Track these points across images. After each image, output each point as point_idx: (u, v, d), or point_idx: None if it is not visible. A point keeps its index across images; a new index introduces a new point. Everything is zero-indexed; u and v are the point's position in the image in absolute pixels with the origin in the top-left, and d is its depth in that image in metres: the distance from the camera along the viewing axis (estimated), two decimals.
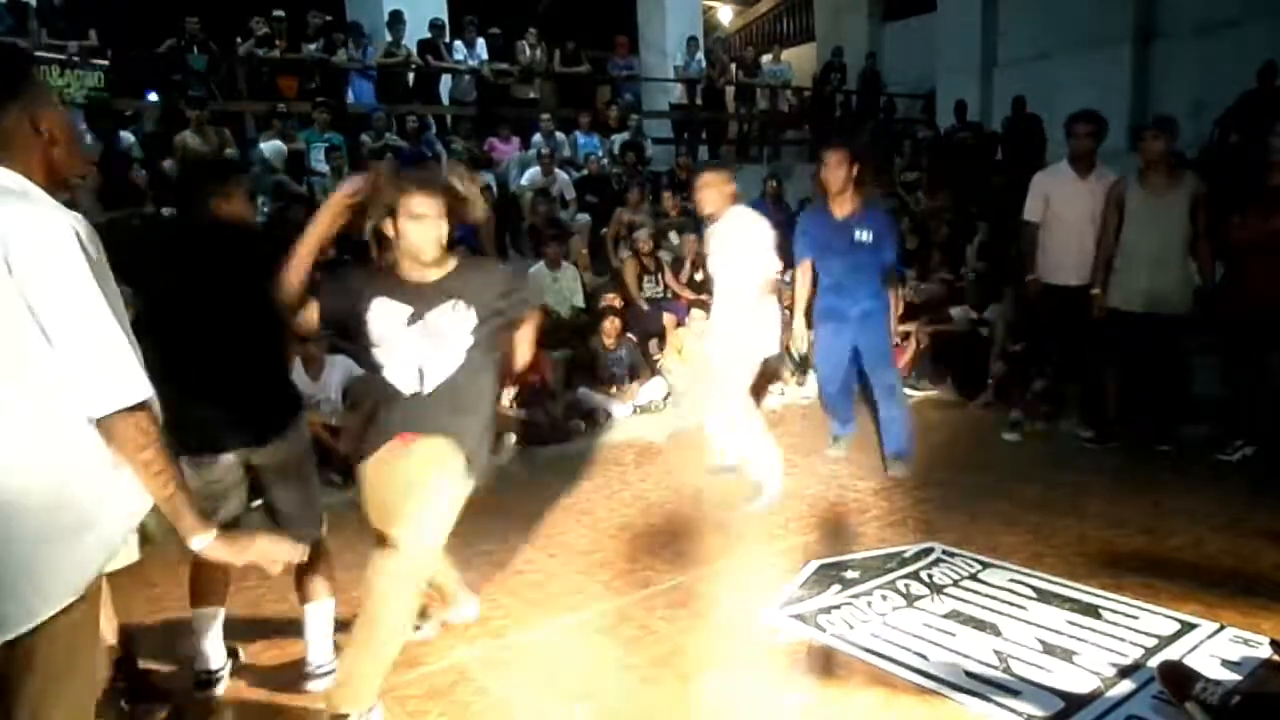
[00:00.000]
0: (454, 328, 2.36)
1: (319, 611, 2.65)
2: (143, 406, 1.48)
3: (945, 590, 3.14)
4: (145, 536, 1.66)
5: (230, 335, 2.38)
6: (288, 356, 2.68)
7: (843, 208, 4.30)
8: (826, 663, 2.70)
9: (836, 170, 4.23)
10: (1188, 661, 2.50)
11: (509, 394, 5.58)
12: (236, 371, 2.40)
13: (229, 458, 2.43)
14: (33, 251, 1.40)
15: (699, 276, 7.49)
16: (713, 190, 4.00)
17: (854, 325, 4.38)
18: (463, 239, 6.93)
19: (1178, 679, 2.34)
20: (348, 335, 2.51)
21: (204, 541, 1.58)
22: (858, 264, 4.30)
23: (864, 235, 4.25)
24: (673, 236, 7.81)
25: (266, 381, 2.50)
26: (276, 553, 1.72)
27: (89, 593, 1.48)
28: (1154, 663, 2.52)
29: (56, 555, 1.43)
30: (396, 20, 9.20)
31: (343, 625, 3.04)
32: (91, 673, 1.57)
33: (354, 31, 9.44)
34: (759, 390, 5.27)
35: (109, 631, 2.31)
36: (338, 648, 2.56)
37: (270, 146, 7.61)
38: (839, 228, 4.29)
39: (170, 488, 1.53)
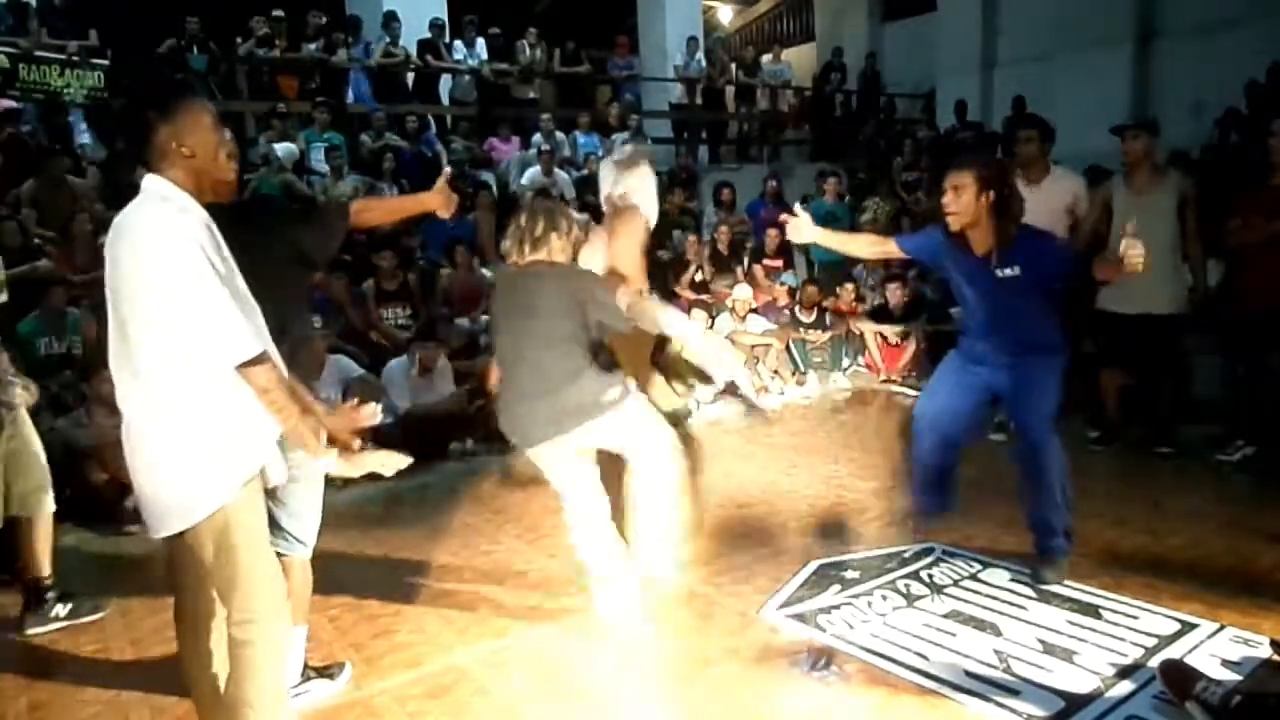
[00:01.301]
0: None
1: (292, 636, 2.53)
2: (263, 359, 1.88)
3: (945, 590, 3.14)
4: None
5: None
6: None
7: (981, 243, 3.14)
8: (826, 663, 2.69)
9: (960, 197, 3.05)
10: (1189, 661, 2.50)
11: None
12: None
13: None
14: (155, 249, 1.83)
15: (699, 277, 7.52)
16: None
17: (998, 372, 3.23)
18: (462, 238, 6.95)
19: (1179, 678, 2.34)
20: None
21: (326, 460, 2.02)
22: (1007, 305, 3.16)
23: (1011, 270, 3.11)
24: (674, 236, 7.82)
25: None
26: (388, 460, 2.13)
27: (238, 497, 1.94)
28: (1154, 662, 2.52)
29: (208, 471, 1.91)
30: (391, 20, 9.20)
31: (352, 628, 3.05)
32: (256, 540, 2.00)
33: (351, 26, 9.44)
34: None
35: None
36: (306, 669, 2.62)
37: (282, 147, 7.60)
38: (978, 265, 3.18)
39: (292, 420, 1.93)
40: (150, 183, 1.93)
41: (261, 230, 2.35)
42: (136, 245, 1.85)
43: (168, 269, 1.82)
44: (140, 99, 2.03)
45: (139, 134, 1.95)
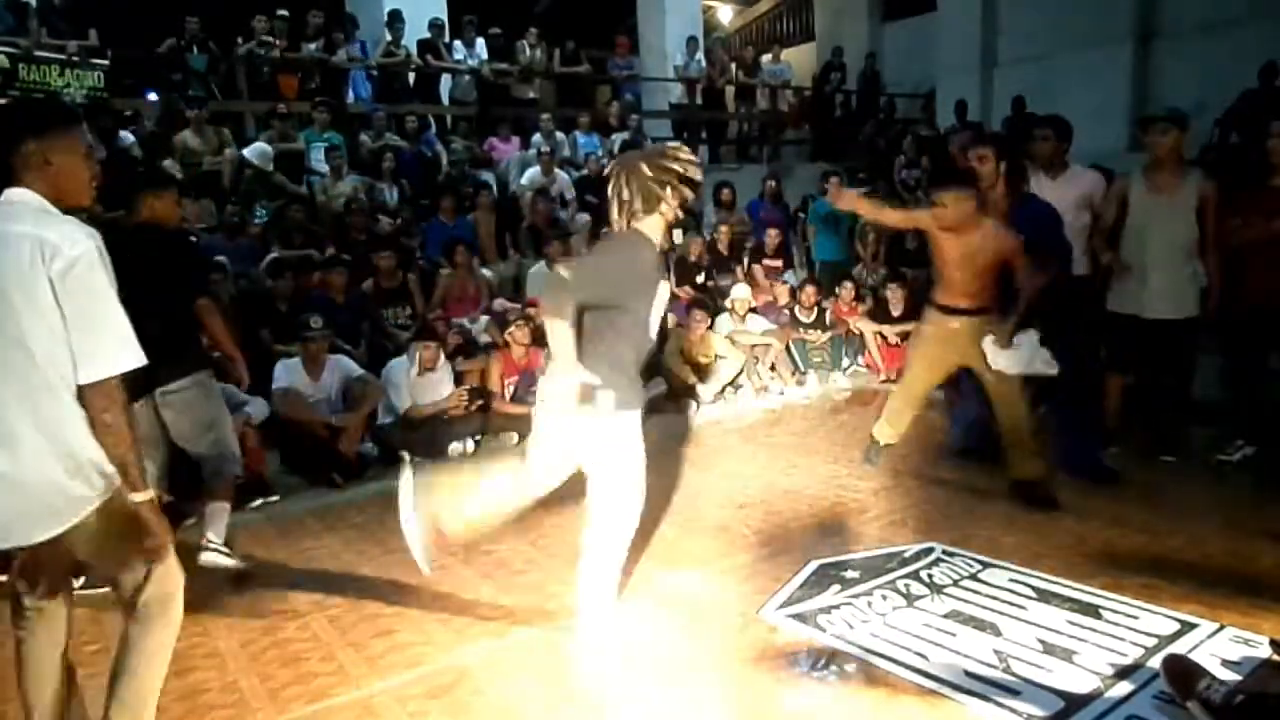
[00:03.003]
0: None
1: (218, 508, 3.53)
2: (116, 381, 1.91)
3: (945, 590, 3.14)
4: None
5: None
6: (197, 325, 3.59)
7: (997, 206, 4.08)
8: (826, 663, 2.70)
9: (984, 165, 4.05)
10: (1193, 657, 2.49)
11: (508, 391, 5.59)
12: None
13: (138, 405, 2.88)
14: (75, 258, 1.88)
15: (700, 278, 7.52)
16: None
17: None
18: (462, 238, 6.95)
19: (1182, 674, 2.33)
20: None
21: (140, 499, 1.99)
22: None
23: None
24: (675, 236, 7.81)
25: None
26: (160, 550, 2.08)
27: (105, 498, 1.98)
28: (1154, 662, 2.52)
29: (76, 478, 1.93)
30: (395, 20, 9.20)
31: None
32: (123, 538, 2.03)
33: (350, 24, 9.44)
34: None
35: None
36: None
37: (253, 150, 7.56)
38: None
39: (120, 448, 1.94)
40: (23, 195, 1.97)
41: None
42: (35, 254, 1.86)
43: (79, 283, 1.88)
44: (18, 114, 2.19)
45: (3, 146, 1.99)
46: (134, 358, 1.94)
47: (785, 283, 7.70)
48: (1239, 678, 2.40)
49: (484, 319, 6.50)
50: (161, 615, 2.15)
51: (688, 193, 2.72)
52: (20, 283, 1.87)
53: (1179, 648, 2.62)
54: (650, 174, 2.66)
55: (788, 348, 6.91)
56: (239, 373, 3.98)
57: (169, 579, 2.14)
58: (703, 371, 6.33)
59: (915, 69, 12.87)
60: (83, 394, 1.91)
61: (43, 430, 1.91)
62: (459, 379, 5.54)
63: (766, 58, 12.68)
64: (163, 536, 2.06)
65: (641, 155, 2.81)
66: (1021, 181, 4.16)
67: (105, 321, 1.91)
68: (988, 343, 3.82)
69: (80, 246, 1.90)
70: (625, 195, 2.68)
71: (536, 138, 9.00)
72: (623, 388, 2.67)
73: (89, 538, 2.00)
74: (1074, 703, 2.39)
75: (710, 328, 6.46)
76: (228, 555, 3.52)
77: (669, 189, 2.67)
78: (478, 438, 5.40)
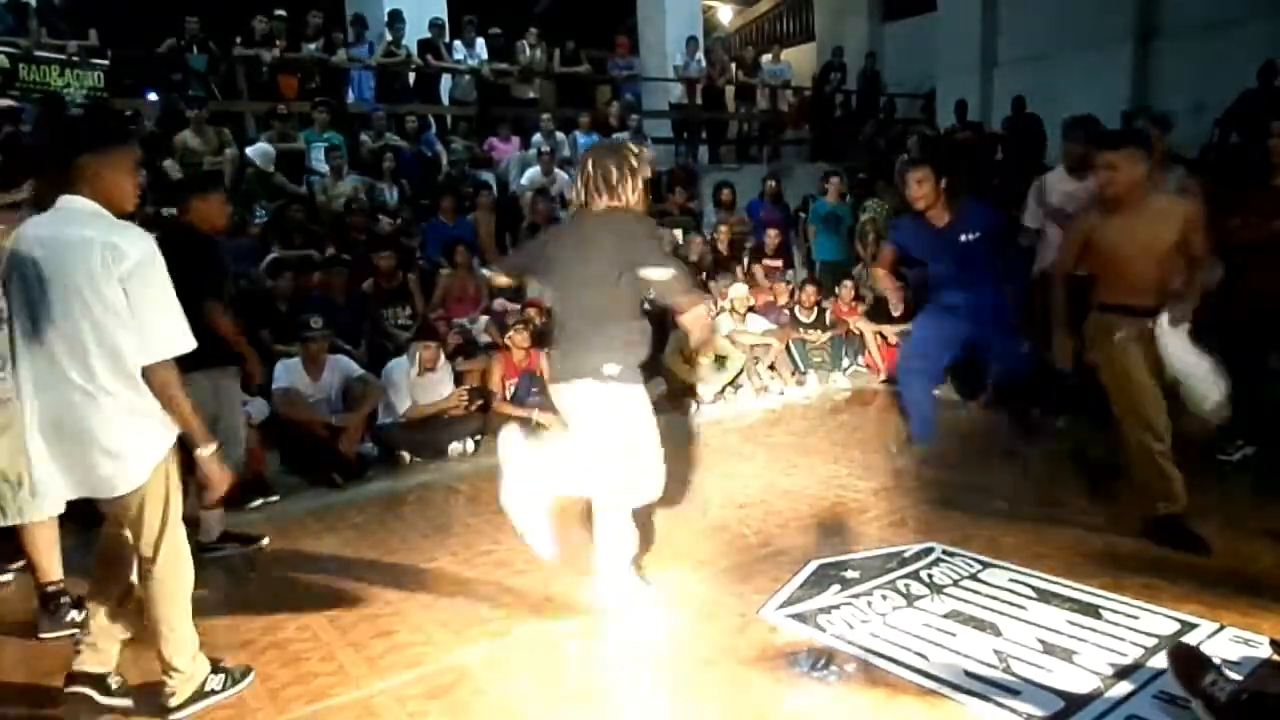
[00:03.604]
0: None
1: (214, 514, 3.80)
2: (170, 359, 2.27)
3: (945, 590, 3.14)
4: None
5: None
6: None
7: (940, 219, 4.34)
8: (826, 663, 2.70)
9: (921, 187, 4.26)
10: (1202, 650, 2.47)
11: (508, 392, 5.59)
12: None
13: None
14: (139, 260, 2.24)
15: (700, 278, 7.51)
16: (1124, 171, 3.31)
17: (964, 315, 4.39)
18: (462, 238, 6.96)
19: (1189, 663, 2.30)
20: None
21: (206, 451, 2.41)
22: (969, 260, 4.31)
23: (969, 236, 4.29)
24: (676, 235, 7.82)
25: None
26: (219, 491, 2.57)
27: (161, 466, 2.38)
28: (1154, 662, 2.52)
29: (140, 445, 2.32)
30: (396, 19, 9.21)
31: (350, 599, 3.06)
32: (172, 506, 2.44)
33: (355, 24, 9.45)
34: None
35: None
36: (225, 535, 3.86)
37: (256, 150, 7.57)
38: (941, 234, 4.33)
39: (182, 415, 2.33)
40: (74, 200, 2.29)
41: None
42: (105, 256, 2.20)
43: (145, 281, 2.24)
44: (76, 130, 2.49)
45: (63, 158, 2.31)
46: (186, 342, 2.30)
47: (785, 283, 7.71)
48: (1239, 678, 2.40)
49: (484, 319, 6.50)
50: (173, 575, 2.46)
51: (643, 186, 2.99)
52: (90, 280, 2.21)
53: None
54: (621, 167, 2.89)
55: (788, 348, 6.92)
56: (252, 368, 4.01)
57: (177, 544, 2.47)
58: (702, 371, 6.33)
59: (915, 69, 12.88)
60: (145, 374, 2.24)
61: (116, 407, 2.25)
62: (459, 379, 5.54)
63: (766, 58, 12.67)
64: (219, 487, 2.49)
65: (611, 149, 3.08)
66: (959, 193, 4.41)
67: (164, 311, 2.26)
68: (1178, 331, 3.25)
69: (142, 249, 2.24)
70: (595, 183, 2.89)
71: (536, 138, 9.00)
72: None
73: (139, 504, 2.34)
74: (1074, 703, 2.39)
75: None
76: (219, 548, 3.79)
77: (636, 180, 2.92)
78: (478, 438, 5.40)
